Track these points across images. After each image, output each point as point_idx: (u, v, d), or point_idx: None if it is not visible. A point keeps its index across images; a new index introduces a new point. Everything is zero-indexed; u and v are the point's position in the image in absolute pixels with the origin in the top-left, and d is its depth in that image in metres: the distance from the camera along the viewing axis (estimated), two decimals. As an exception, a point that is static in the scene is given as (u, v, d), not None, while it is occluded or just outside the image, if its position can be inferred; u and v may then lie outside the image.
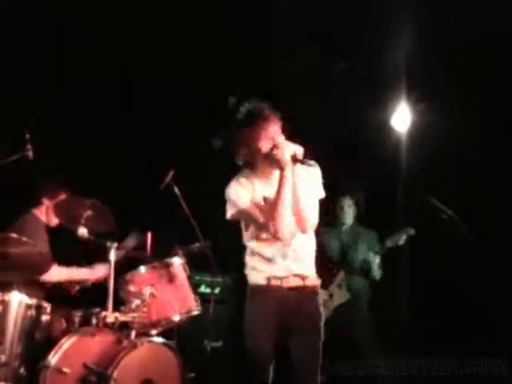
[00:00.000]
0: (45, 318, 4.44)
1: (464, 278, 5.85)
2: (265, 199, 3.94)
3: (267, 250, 3.95)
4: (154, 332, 4.68)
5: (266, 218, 3.86)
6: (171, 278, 4.71)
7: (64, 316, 4.55)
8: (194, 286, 5.10)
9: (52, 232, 5.20)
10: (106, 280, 4.76)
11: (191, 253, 5.26)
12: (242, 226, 4.05)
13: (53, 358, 4.18)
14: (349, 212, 6.12)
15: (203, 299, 5.04)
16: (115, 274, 4.62)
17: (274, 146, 3.83)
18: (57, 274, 4.92)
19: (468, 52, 5.77)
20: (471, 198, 5.85)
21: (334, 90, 6.36)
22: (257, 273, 3.98)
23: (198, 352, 5.62)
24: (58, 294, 5.04)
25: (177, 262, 4.84)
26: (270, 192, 3.93)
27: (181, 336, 5.25)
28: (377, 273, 5.91)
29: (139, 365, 4.23)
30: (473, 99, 5.88)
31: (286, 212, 3.84)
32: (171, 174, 5.47)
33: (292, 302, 3.93)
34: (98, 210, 4.78)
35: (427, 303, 6.02)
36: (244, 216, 3.95)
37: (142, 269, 4.75)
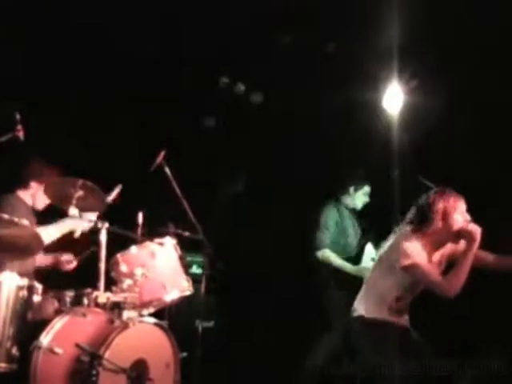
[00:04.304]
0: (36, 298, 4.42)
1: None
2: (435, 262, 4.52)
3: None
4: (145, 312, 4.69)
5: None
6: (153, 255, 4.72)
7: (55, 296, 4.55)
8: (186, 267, 5.11)
9: (41, 213, 5.18)
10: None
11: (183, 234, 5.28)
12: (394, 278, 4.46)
13: (45, 339, 4.18)
14: None
15: (195, 280, 5.05)
16: (107, 253, 4.62)
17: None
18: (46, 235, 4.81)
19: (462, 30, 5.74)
20: (464, 180, 5.84)
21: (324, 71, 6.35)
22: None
23: (189, 332, 5.64)
24: (50, 275, 5.04)
25: (169, 241, 4.85)
26: (438, 257, 4.54)
27: (172, 316, 5.26)
28: None
29: (131, 345, 4.22)
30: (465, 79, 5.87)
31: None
32: (162, 154, 5.45)
33: None
34: (89, 190, 4.77)
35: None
36: (419, 271, 4.37)
37: (134, 249, 4.76)
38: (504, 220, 5.48)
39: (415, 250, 4.39)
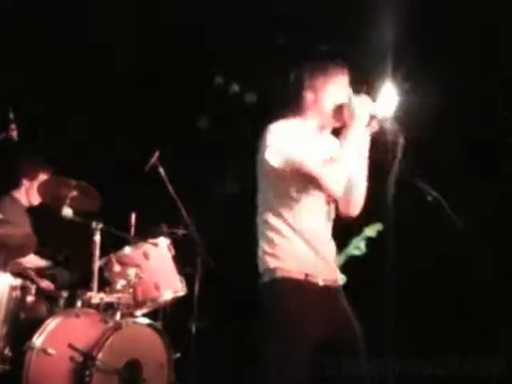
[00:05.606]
0: (30, 298, 4.42)
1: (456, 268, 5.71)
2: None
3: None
4: (139, 313, 4.68)
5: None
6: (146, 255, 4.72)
7: (49, 297, 4.54)
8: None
9: (35, 213, 5.17)
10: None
11: (177, 235, 5.27)
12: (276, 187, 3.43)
13: (38, 339, 4.16)
14: None
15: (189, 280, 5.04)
16: (100, 254, 4.61)
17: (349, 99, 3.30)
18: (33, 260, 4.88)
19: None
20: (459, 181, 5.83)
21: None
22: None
23: (182, 333, 5.62)
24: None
25: (162, 242, 4.84)
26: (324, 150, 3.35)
27: (166, 317, 5.25)
28: None
29: (124, 345, 4.22)
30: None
31: (344, 171, 3.25)
32: (156, 154, 5.43)
33: None
34: (83, 190, 4.76)
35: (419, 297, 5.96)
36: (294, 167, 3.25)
37: (127, 249, 4.75)
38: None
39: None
